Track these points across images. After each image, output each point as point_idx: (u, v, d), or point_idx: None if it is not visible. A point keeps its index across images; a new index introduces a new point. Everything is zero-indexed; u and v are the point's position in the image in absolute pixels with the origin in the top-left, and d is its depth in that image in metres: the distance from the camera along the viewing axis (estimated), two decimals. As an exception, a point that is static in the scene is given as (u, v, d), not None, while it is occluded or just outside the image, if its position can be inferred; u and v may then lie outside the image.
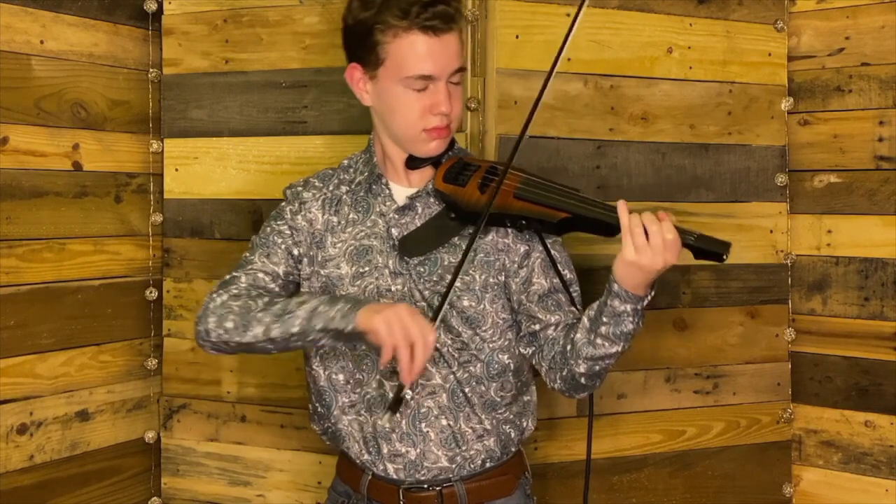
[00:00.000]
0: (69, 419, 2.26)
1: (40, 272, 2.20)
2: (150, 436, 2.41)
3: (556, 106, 2.22)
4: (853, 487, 2.39)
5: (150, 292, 2.40)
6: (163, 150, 2.40)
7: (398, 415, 1.61)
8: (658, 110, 2.32)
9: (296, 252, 1.74)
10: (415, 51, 1.59)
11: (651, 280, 1.53)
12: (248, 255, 1.75)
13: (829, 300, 2.41)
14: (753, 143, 2.40)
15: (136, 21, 2.38)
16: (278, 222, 1.76)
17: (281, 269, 1.73)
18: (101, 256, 2.32)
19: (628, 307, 1.54)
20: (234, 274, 1.72)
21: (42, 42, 2.20)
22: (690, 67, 2.34)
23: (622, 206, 1.53)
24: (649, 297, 1.56)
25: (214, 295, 1.68)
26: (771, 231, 2.42)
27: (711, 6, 2.36)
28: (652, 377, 2.34)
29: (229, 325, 1.62)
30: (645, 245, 1.48)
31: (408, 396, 1.56)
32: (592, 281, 2.11)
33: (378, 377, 1.68)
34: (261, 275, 1.71)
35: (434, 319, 1.53)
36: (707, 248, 1.51)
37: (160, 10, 2.38)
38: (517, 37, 2.18)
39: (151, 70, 2.39)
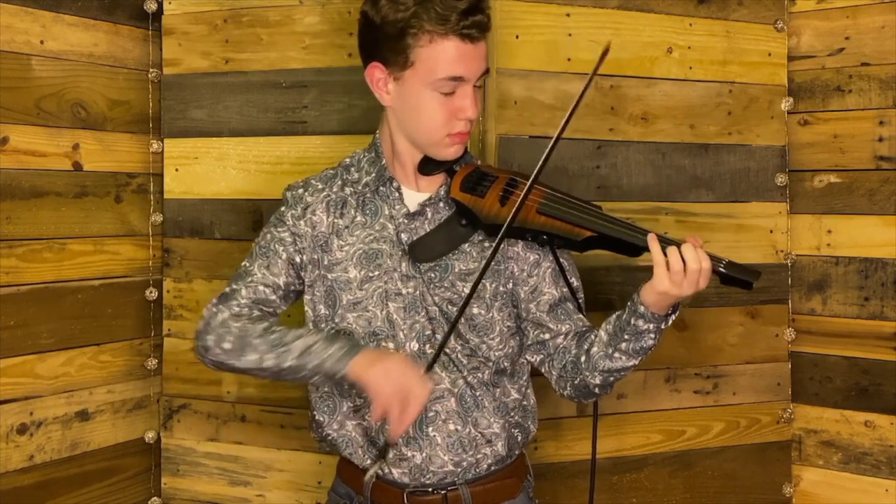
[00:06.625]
0: (69, 419, 2.26)
1: (40, 272, 2.20)
2: (150, 436, 2.41)
3: (556, 106, 2.21)
4: (853, 487, 2.39)
5: (150, 292, 2.40)
6: (163, 150, 2.40)
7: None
8: (658, 110, 2.32)
9: (298, 260, 1.71)
10: (449, 55, 1.57)
11: (676, 301, 1.55)
12: (247, 264, 1.71)
13: (829, 300, 2.41)
14: (753, 143, 2.40)
15: (136, 21, 2.38)
16: (279, 229, 1.72)
17: (281, 280, 1.70)
18: (101, 256, 2.32)
19: (651, 326, 1.56)
20: (234, 287, 1.69)
21: (42, 42, 2.20)
22: (690, 67, 2.34)
23: (653, 241, 1.52)
24: (674, 317, 1.58)
25: (215, 310, 1.66)
26: (771, 231, 2.42)
27: (711, 6, 2.36)
28: (652, 377, 2.34)
29: (227, 346, 1.62)
30: (682, 277, 1.49)
31: (400, 442, 1.61)
32: (592, 282, 2.11)
33: None
34: (261, 287, 1.68)
35: (430, 367, 1.56)
36: (736, 276, 1.51)
37: (160, 10, 2.38)
38: (517, 37, 2.18)
39: (151, 70, 2.39)
